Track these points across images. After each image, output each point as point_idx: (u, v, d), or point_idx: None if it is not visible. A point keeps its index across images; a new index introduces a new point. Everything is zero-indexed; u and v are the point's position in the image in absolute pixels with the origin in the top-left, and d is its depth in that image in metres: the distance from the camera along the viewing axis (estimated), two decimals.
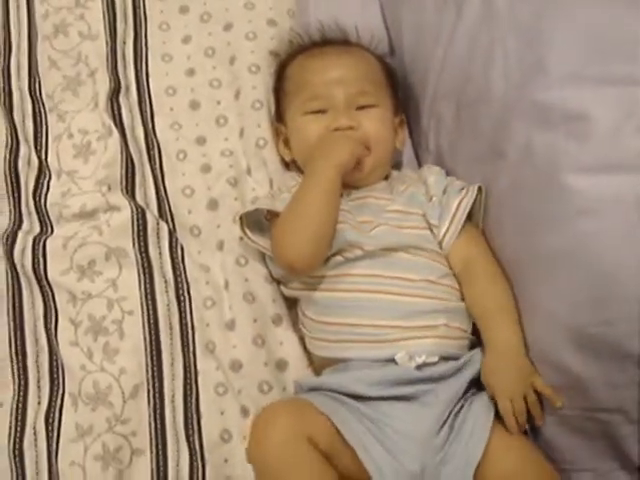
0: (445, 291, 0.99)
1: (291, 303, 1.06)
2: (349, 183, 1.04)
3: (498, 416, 0.92)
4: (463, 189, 1.03)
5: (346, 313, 0.97)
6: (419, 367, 0.94)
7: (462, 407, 0.94)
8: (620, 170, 0.82)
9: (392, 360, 0.94)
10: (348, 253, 0.99)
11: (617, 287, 0.83)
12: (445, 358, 0.95)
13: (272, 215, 1.02)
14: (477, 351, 0.98)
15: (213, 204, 1.11)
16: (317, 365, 1.02)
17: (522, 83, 0.94)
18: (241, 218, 1.04)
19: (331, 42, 1.15)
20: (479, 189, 1.02)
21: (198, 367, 0.99)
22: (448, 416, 0.92)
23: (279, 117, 1.15)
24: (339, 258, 0.99)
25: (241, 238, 1.07)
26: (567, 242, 0.88)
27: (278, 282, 1.07)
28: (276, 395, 0.99)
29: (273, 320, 1.04)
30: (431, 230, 1.03)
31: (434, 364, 0.94)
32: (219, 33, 1.24)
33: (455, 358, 0.96)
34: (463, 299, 1.01)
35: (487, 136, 1.00)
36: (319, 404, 0.89)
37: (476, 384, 0.96)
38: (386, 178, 1.11)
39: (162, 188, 1.12)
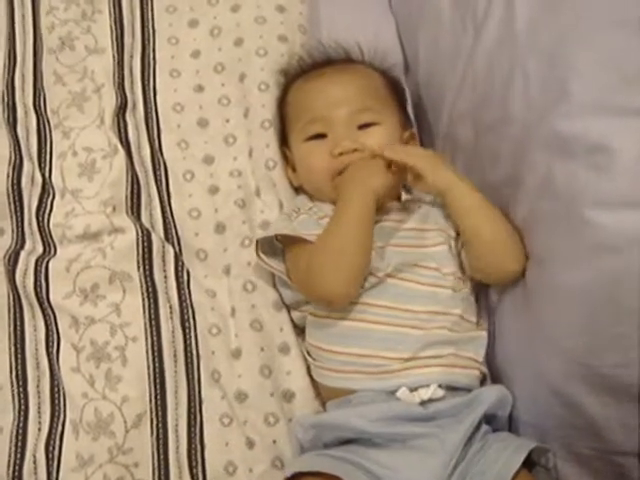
0: (454, 322, 0.96)
1: (300, 331, 1.03)
2: None
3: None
4: None
5: (352, 343, 0.94)
6: (423, 403, 0.91)
7: (476, 451, 0.89)
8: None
9: (395, 393, 0.92)
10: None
11: (636, 328, 0.80)
12: (453, 388, 0.93)
13: (289, 239, 0.98)
14: (489, 387, 0.95)
15: (220, 227, 1.08)
16: (324, 395, 0.99)
17: (543, 109, 0.91)
18: (257, 242, 1.02)
19: (331, 62, 1.11)
20: None
21: (203, 396, 0.96)
22: (457, 463, 0.88)
23: (285, 141, 1.12)
24: None
25: (249, 263, 1.05)
26: (586, 278, 0.85)
27: (287, 308, 1.04)
28: (282, 427, 0.96)
29: (280, 349, 1.01)
30: (449, 244, 1.00)
31: (440, 399, 0.91)
32: (229, 48, 1.21)
33: (464, 389, 0.93)
34: (476, 326, 0.99)
35: (505, 162, 0.98)
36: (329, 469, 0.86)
37: (489, 422, 0.93)
38: (398, 199, 1.08)
39: (168, 209, 1.10)
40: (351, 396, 0.94)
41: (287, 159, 1.12)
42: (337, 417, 0.93)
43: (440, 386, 0.92)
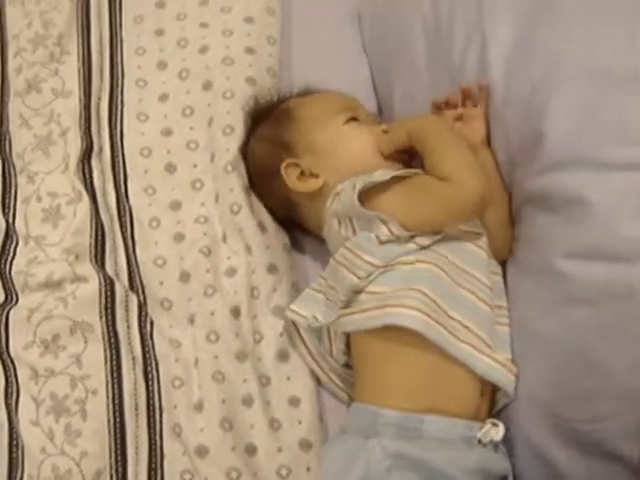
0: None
1: (265, 382, 1.00)
2: None
3: None
4: None
5: (465, 314, 0.92)
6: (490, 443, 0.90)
7: None
8: (614, 259, 0.80)
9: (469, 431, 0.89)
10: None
11: (607, 382, 0.81)
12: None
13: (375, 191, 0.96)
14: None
15: (185, 276, 1.06)
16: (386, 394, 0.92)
17: (523, 162, 0.93)
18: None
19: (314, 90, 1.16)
20: None
21: (164, 451, 0.95)
22: None
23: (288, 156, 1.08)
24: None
25: (212, 313, 1.03)
26: (559, 329, 0.86)
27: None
28: None
29: (243, 401, 0.98)
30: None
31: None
32: (198, 91, 1.20)
33: None
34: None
35: None
36: None
37: None
38: None
39: (133, 257, 1.08)
40: (423, 419, 0.89)
41: (288, 173, 1.07)
42: (431, 458, 0.87)
43: None
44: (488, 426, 0.90)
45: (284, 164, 1.06)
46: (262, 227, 1.11)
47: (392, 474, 0.86)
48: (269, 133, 1.12)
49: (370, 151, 1.05)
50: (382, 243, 0.95)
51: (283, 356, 1.02)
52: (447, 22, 1.06)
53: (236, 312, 1.03)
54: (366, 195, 0.95)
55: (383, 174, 0.96)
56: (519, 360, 0.91)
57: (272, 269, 1.07)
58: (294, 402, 1.00)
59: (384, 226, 0.94)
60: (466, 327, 0.91)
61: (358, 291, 0.95)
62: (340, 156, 1.06)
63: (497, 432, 0.90)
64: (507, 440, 0.91)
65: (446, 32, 1.06)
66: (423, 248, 0.95)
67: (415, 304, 0.89)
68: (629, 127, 0.82)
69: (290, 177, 1.06)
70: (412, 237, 0.95)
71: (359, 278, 0.94)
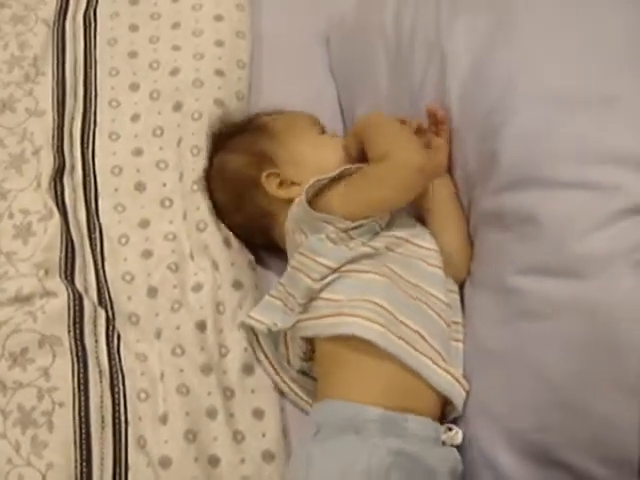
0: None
1: (229, 395, 1.02)
2: None
3: None
4: None
5: (419, 321, 0.95)
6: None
7: None
8: (562, 274, 0.83)
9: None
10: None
11: (553, 394, 0.83)
12: None
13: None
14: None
15: (152, 291, 1.09)
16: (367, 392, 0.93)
17: (479, 182, 0.96)
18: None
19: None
20: None
21: (129, 463, 0.96)
22: None
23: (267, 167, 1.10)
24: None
25: (178, 327, 1.05)
26: (510, 343, 0.89)
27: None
28: None
29: (208, 413, 1.00)
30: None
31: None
32: (168, 112, 1.23)
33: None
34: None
35: None
36: None
37: None
38: None
39: (102, 273, 1.11)
40: (407, 417, 0.90)
41: (269, 181, 1.09)
42: (424, 456, 0.89)
43: None
44: (455, 430, 0.92)
45: (265, 173, 1.09)
46: (228, 244, 1.14)
47: (392, 473, 0.86)
48: (245, 145, 1.14)
49: (346, 159, 1.08)
50: (334, 243, 0.98)
51: (248, 369, 1.05)
52: (408, 44, 1.09)
53: (202, 326, 1.06)
54: (317, 197, 0.99)
55: (330, 173, 1.01)
56: (472, 373, 0.94)
57: (238, 285, 1.10)
58: (258, 414, 1.02)
59: (330, 225, 0.98)
60: (422, 337, 0.93)
61: (314, 297, 0.98)
62: (319, 165, 1.07)
63: (458, 437, 0.93)
64: (460, 451, 0.93)
65: (407, 54, 1.09)
66: (376, 252, 0.98)
67: (370, 315, 0.92)
68: (579, 147, 0.85)
69: (270, 185, 1.08)
70: (363, 241, 0.98)
71: (314, 280, 0.97)
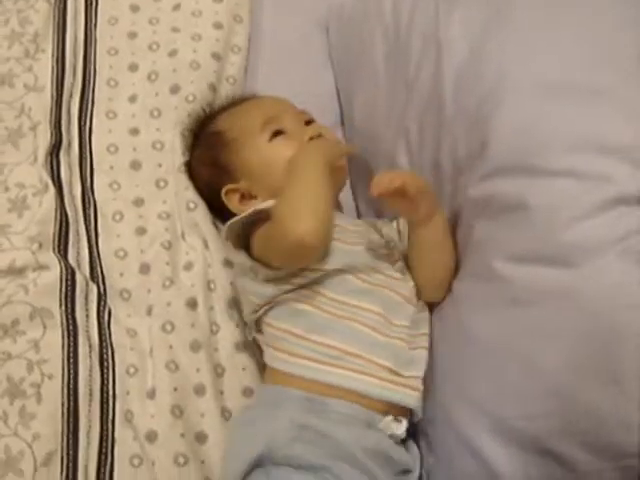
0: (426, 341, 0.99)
1: (220, 372, 1.03)
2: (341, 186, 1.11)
3: None
4: None
5: (338, 337, 0.94)
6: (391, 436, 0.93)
7: None
8: (550, 262, 0.84)
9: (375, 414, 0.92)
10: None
11: (541, 382, 0.84)
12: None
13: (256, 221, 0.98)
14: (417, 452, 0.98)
15: (145, 268, 1.10)
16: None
17: (468, 169, 0.96)
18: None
19: (240, 100, 1.19)
20: None
21: (115, 436, 0.97)
22: None
23: (227, 179, 1.10)
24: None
25: (169, 304, 1.06)
26: (497, 330, 0.89)
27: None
28: (192, 469, 0.97)
29: (196, 390, 1.01)
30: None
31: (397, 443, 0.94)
32: (166, 95, 1.24)
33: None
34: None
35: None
36: None
37: None
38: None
39: (95, 249, 1.11)
40: (328, 401, 0.92)
41: (230, 198, 1.09)
42: (334, 431, 0.90)
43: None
44: (390, 418, 0.93)
45: (224, 191, 1.09)
46: (217, 224, 1.15)
47: (296, 445, 0.89)
48: (207, 157, 1.14)
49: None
50: (264, 281, 0.98)
51: (239, 347, 1.06)
52: (406, 32, 1.10)
53: (193, 304, 1.07)
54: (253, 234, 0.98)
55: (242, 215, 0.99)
56: (456, 361, 0.94)
57: (228, 264, 1.10)
58: (248, 392, 1.04)
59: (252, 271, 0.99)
60: (347, 353, 0.93)
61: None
62: (272, 176, 1.05)
63: (398, 427, 0.93)
64: (443, 439, 0.95)
65: (404, 42, 1.10)
66: (301, 287, 0.97)
67: (284, 347, 0.96)
68: (569, 136, 0.86)
69: (231, 202, 1.09)
70: (290, 276, 0.97)
71: (252, 311, 1.00)
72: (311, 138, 1.07)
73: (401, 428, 0.93)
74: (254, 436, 0.91)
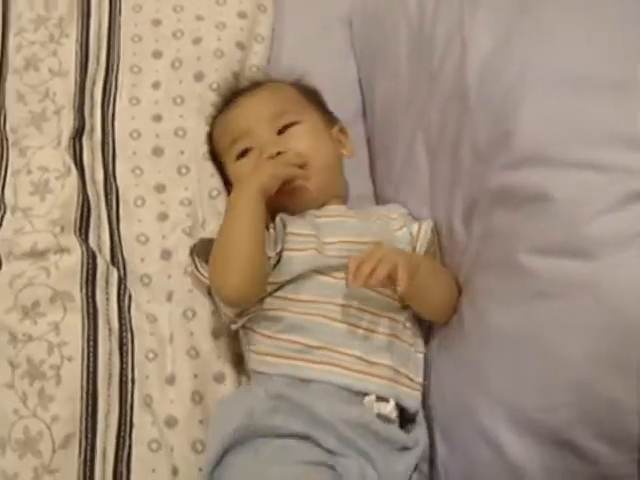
0: (399, 330, 0.99)
1: (239, 360, 1.04)
2: (300, 206, 1.05)
3: None
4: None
5: (303, 333, 0.96)
6: (379, 416, 0.93)
7: None
8: (573, 255, 0.83)
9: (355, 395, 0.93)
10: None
11: (562, 374, 0.83)
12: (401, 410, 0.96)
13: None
14: (423, 432, 0.97)
15: (166, 254, 1.10)
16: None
17: (489, 161, 0.96)
18: (192, 251, 1.05)
19: (241, 91, 1.17)
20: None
21: (134, 421, 0.97)
22: None
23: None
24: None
25: (191, 290, 1.07)
26: (518, 322, 0.89)
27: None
28: None
29: (215, 377, 1.02)
30: None
31: (390, 422, 0.94)
32: (190, 82, 1.24)
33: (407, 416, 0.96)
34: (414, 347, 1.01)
35: (457, 210, 1.02)
36: None
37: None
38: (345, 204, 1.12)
39: (117, 233, 1.12)
40: (312, 383, 0.94)
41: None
42: (311, 403, 0.91)
43: (396, 405, 0.95)
44: (372, 397, 0.93)
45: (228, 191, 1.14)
46: None
47: (275, 416, 0.91)
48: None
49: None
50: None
51: None
52: (430, 24, 1.10)
53: None
54: None
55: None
56: (474, 352, 0.94)
57: None
58: None
59: None
60: (321, 348, 0.95)
61: None
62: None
63: (385, 407, 0.94)
64: (459, 430, 0.94)
65: (428, 34, 1.10)
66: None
67: (262, 349, 0.98)
68: (593, 129, 0.86)
69: None
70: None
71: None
72: (271, 157, 1.05)
73: (387, 408, 0.94)
74: (233, 412, 0.93)
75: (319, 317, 0.96)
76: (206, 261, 1.02)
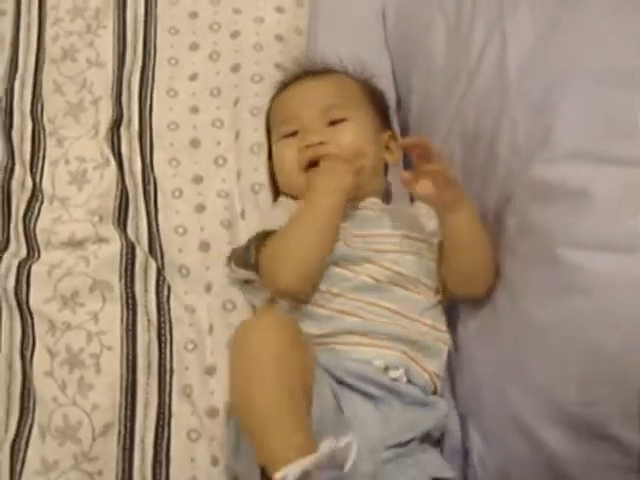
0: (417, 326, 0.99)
1: None
2: None
3: None
4: None
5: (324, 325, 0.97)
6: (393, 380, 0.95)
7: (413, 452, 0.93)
8: (615, 249, 0.83)
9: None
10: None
11: (603, 368, 0.83)
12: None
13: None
14: (444, 405, 0.99)
15: (204, 245, 1.10)
16: None
17: (528, 155, 0.96)
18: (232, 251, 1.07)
19: (311, 72, 1.17)
20: None
21: (173, 410, 0.97)
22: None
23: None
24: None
25: (230, 282, 1.07)
26: (558, 316, 0.89)
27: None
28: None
29: None
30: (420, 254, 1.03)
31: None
32: (227, 74, 1.24)
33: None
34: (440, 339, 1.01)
35: (491, 202, 1.02)
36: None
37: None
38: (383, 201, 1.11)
39: (154, 224, 1.12)
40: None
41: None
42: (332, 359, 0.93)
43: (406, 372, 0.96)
44: (380, 361, 0.95)
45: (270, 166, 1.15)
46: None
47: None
48: None
49: (289, 166, 1.08)
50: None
51: None
52: (468, 20, 1.11)
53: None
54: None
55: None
56: (513, 347, 0.94)
57: None
58: None
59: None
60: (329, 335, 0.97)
61: None
62: (278, 175, 1.12)
63: (395, 372, 0.95)
64: (497, 425, 0.94)
65: (466, 30, 1.10)
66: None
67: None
68: (636, 125, 0.85)
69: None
70: None
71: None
72: (307, 146, 1.05)
73: (397, 373, 0.95)
74: None
75: (329, 311, 0.97)
76: (243, 267, 1.03)
